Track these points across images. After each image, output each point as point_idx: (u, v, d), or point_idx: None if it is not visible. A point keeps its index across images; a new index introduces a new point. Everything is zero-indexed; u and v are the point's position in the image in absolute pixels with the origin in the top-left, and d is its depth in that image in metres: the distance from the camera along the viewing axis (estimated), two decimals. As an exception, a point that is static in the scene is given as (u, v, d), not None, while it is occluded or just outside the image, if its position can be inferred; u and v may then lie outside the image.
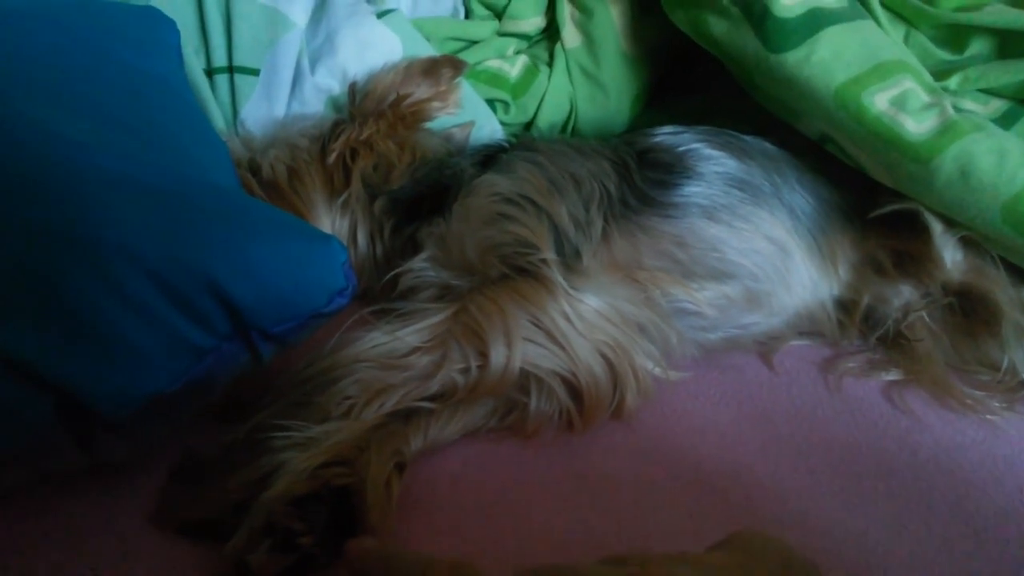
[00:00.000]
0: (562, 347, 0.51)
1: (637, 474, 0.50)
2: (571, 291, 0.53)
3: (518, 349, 0.50)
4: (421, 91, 0.68)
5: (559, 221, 0.56)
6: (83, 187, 0.43)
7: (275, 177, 0.65)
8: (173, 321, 0.42)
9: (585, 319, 0.52)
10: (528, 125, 0.82)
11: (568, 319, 0.52)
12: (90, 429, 0.42)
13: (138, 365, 0.41)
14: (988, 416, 0.55)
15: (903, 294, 0.61)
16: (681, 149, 0.63)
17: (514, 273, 0.54)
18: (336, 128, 0.67)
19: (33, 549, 0.43)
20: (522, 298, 0.51)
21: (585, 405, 0.52)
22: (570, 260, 0.55)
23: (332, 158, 0.65)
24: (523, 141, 0.68)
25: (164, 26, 0.65)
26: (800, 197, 0.63)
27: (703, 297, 0.59)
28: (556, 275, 0.53)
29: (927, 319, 0.60)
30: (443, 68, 0.70)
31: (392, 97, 0.68)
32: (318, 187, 0.66)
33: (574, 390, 0.52)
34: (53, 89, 0.50)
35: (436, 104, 0.70)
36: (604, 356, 0.53)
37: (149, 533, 0.44)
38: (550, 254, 0.54)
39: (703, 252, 0.59)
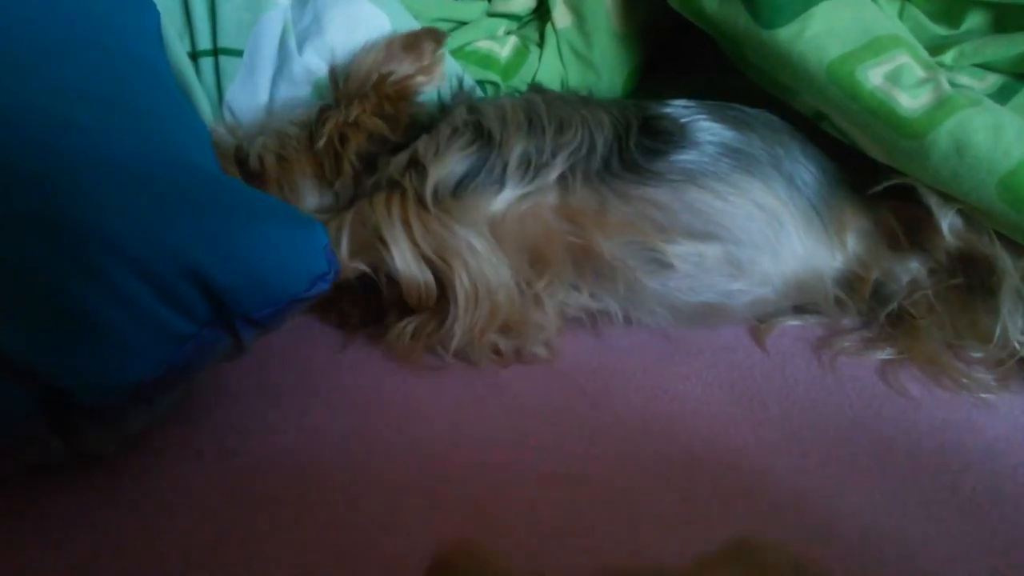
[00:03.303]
0: (388, 247, 0.57)
1: (628, 457, 0.50)
2: (430, 207, 0.58)
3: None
4: (404, 67, 0.67)
5: (506, 154, 0.59)
6: (62, 170, 0.42)
7: (263, 166, 0.64)
8: (154, 308, 0.41)
9: (433, 233, 0.57)
10: (519, 107, 0.81)
11: (409, 228, 0.57)
12: (72, 419, 0.42)
13: (119, 353, 0.41)
14: (982, 394, 0.55)
15: (911, 270, 0.61)
16: (684, 120, 0.62)
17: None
18: (323, 113, 0.66)
19: (14, 543, 0.42)
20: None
21: (408, 298, 0.58)
22: (470, 189, 0.59)
23: (321, 144, 0.65)
24: (534, 86, 0.71)
25: (144, 8, 0.64)
26: (803, 168, 0.62)
27: (674, 250, 0.59)
28: (412, 188, 0.59)
29: (931, 296, 0.60)
30: (424, 41, 0.69)
31: (375, 76, 0.67)
32: (308, 175, 0.65)
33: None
34: (31, 69, 0.49)
35: (421, 79, 0.69)
36: (431, 264, 0.57)
37: (132, 525, 0.44)
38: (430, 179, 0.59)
39: (679, 211, 0.59)
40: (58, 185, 0.42)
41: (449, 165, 0.59)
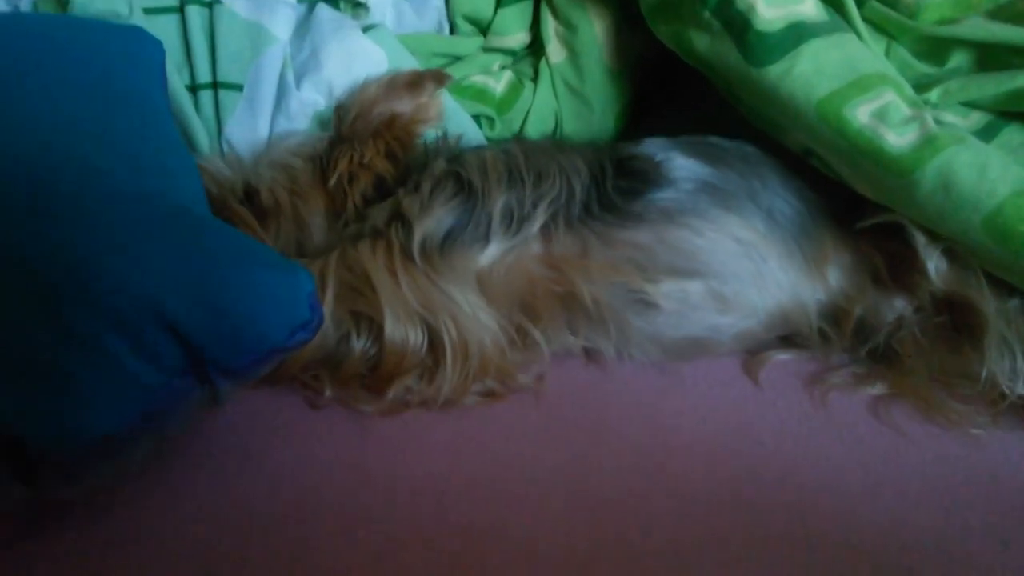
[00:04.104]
0: (378, 294, 0.57)
1: (623, 491, 0.50)
2: (417, 261, 0.58)
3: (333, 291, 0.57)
4: (404, 104, 0.68)
5: (489, 206, 0.60)
6: (36, 206, 0.40)
7: (277, 201, 0.65)
8: (120, 355, 0.39)
9: (420, 288, 0.57)
10: (514, 140, 0.82)
11: (396, 279, 0.57)
12: (35, 468, 0.40)
13: (81, 404, 0.39)
14: (973, 430, 0.55)
15: (896, 307, 0.61)
16: (659, 158, 0.63)
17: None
18: (333, 149, 0.67)
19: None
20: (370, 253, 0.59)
21: (385, 359, 0.57)
22: (457, 245, 0.59)
23: (334, 181, 0.66)
24: (516, 137, 0.73)
25: (149, 46, 0.64)
26: (782, 201, 0.63)
27: (658, 289, 0.59)
28: (398, 241, 0.59)
29: (918, 334, 0.60)
30: (427, 81, 0.70)
31: (385, 115, 0.68)
32: (321, 210, 0.66)
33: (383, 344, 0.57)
34: (19, 100, 0.48)
35: (423, 121, 0.70)
36: (428, 324, 0.57)
37: (125, 556, 0.43)
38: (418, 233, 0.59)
39: (660, 251, 0.60)
40: (17, 220, 0.40)
41: (435, 220, 0.60)
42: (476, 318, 0.58)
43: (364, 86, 0.70)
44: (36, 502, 0.43)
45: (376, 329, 0.57)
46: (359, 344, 0.57)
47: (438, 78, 0.71)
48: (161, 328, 0.40)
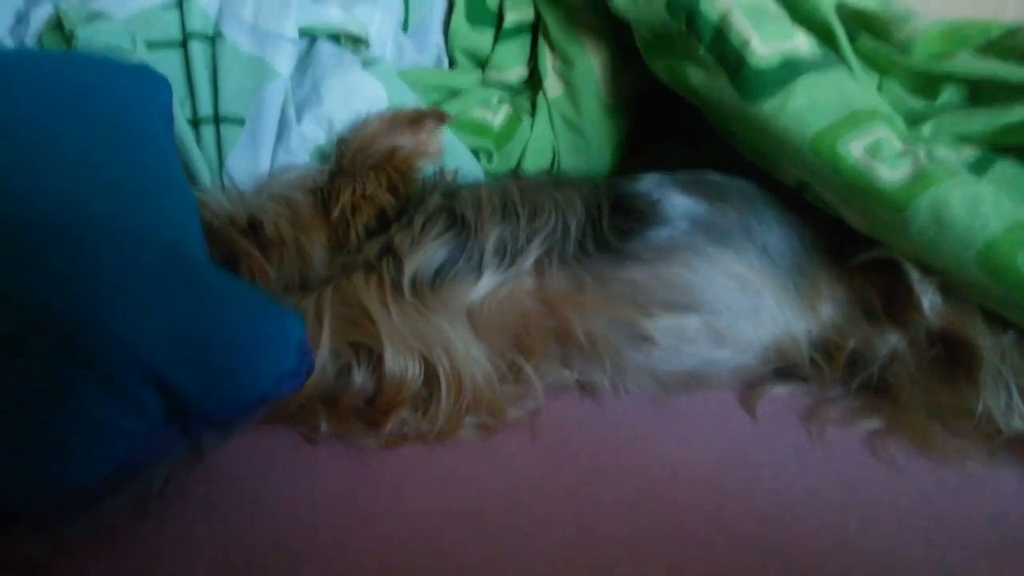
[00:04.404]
0: (376, 325, 0.57)
1: (619, 525, 0.50)
2: (407, 296, 0.59)
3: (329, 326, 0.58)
4: (404, 139, 0.69)
5: (482, 240, 0.61)
6: (15, 243, 0.40)
7: (281, 233, 0.66)
8: (101, 404, 0.38)
9: (411, 322, 0.58)
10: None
11: (389, 312, 0.58)
12: (5, 521, 0.38)
13: (55, 454, 0.37)
14: (969, 465, 0.55)
15: (890, 341, 0.61)
16: (655, 196, 0.64)
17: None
18: (335, 182, 0.68)
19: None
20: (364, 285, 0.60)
21: (384, 389, 0.57)
22: (449, 279, 0.60)
23: (337, 213, 0.67)
24: (512, 171, 0.74)
25: (157, 84, 0.64)
26: (777, 237, 0.63)
27: (654, 324, 0.60)
28: (389, 275, 0.59)
29: (912, 368, 0.60)
30: (428, 119, 0.72)
31: (386, 149, 0.69)
32: (323, 242, 0.67)
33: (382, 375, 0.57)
34: (18, 134, 0.48)
35: (423, 155, 0.71)
36: (423, 357, 0.57)
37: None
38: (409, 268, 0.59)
39: (656, 288, 0.60)
40: (13, 262, 0.39)
41: (426, 255, 0.60)
42: (467, 352, 0.58)
43: (366, 121, 0.71)
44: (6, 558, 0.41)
45: (375, 359, 0.57)
46: (359, 375, 0.57)
47: (439, 116, 0.72)
48: (144, 376, 0.39)
